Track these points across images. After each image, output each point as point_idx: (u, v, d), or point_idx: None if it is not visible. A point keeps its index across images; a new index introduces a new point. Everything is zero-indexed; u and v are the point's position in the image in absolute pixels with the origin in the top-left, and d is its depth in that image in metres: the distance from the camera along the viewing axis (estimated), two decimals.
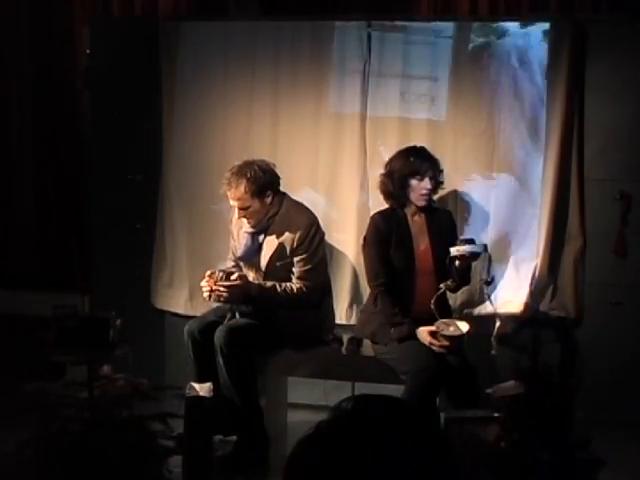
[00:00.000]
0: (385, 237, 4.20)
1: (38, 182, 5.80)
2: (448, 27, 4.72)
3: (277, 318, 4.26)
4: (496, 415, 3.39)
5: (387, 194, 4.29)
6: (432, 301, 4.06)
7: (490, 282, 4.21)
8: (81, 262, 5.27)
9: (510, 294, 4.67)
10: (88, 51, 5.28)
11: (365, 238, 4.32)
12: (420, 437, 1.18)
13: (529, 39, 4.67)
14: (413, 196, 4.20)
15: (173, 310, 5.14)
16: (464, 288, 4.37)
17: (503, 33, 4.69)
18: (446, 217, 4.37)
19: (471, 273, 4.26)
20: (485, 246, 4.13)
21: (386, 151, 4.65)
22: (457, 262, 4.10)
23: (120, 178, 5.16)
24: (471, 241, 4.13)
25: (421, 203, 4.20)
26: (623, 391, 4.58)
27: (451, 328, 4.02)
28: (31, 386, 3.89)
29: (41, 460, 3.63)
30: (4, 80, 5.82)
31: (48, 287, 5.33)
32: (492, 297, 4.52)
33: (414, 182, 4.17)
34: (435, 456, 1.17)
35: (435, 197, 4.33)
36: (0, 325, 5.27)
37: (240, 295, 4.23)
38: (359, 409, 1.21)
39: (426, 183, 4.17)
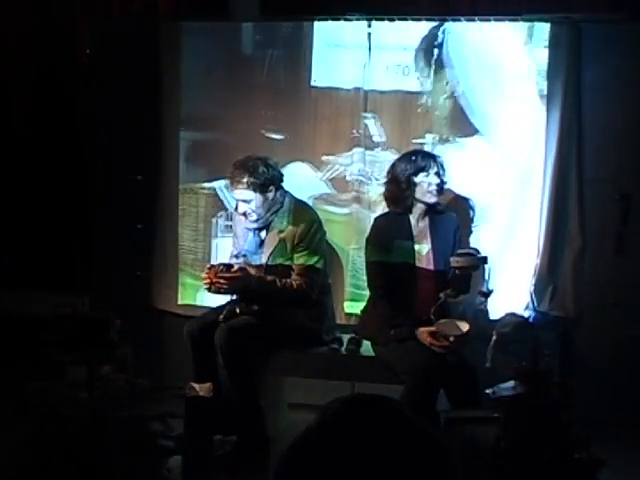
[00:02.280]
0: (387, 240, 4.19)
1: (38, 182, 5.80)
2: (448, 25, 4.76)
3: (277, 318, 4.26)
4: (496, 415, 3.38)
5: (392, 199, 4.27)
6: (432, 310, 4.04)
7: (489, 294, 4.18)
8: (81, 262, 5.29)
9: (510, 295, 4.67)
10: (88, 51, 5.28)
11: (367, 240, 4.32)
12: (410, 436, 1.18)
13: (528, 39, 4.67)
14: (420, 194, 4.18)
15: (173, 310, 5.14)
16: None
17: (502, 32, 4.72)
18: (450, 222, 4.33)
19: (471, 281, 4.23)
20: (485, 258, 4.09)
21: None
22: (457, 271, 4.09)
23: (120, 178, 5.16)
24: (472, 252, 4.11)
25: (430, 199, 4.18)
26: (623, 391, 4.58)
27: (451, 328, 4.01)
28: (31, 386, 3.88)
29: (41, 460, 3.63)
30: (4, 80, 5.82)
31: (48, 287, 5.33)
32: (492, 298, 4.51)
33: (420, 179, 4.16)
34: (427, 456, 1.17)
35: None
36: (0, 325, 5.27)
37: (240, 287, 4.23)
38: (347, 410, 1.20)
39: (432, 179, 4.17)
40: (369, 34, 4.81)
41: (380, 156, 4.82)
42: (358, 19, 4.83)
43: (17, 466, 3.61)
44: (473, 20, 4.75)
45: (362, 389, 4.34)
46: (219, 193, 5.03)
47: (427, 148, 4.68)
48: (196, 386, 4.05)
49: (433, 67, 4.74)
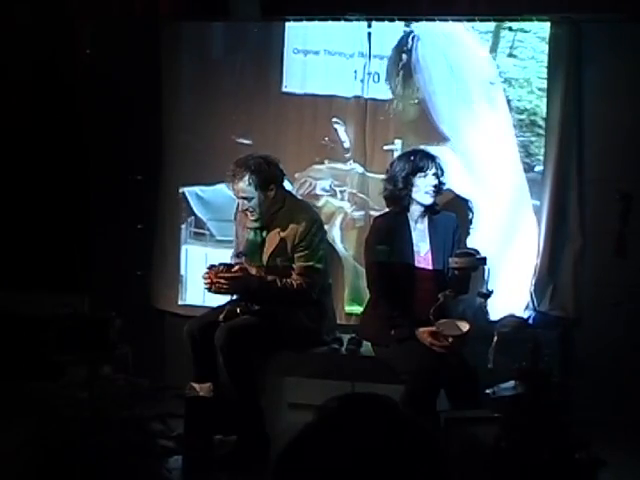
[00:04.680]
0: (386, 240, 4.19)
1: (38, 182, 5.79)
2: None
3: (277, 318, 4.26)
4: (496, 415, 3.38)
5: (390, 199, 4.26)
6: (431, 311, 4.03)
7: (488, 295, 4.16)
8: (81, 262, 5.29)
9: (510, 295, 4.67)
10: (88, 51, 5.28)
11: (367, 240, 4.32)
12: (406, 433, 1.18)
13: (529, 38, 4.68)
14: (418, 195, 4.17)
15: (173, 310, 5.14)
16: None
17: (503, 31, 4.73)
18: (449, 222, 4.30)
19: (470, 282, 4.22)
20: (484, 259, 4.06)
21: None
22: (456, 272, 4.08)
23: (120, 178, 5.16)
24: (471, 253, 4.09)
25: (427, 201, 4.17)
26: (623, 391, 4.58)
27: (451, 328, 4.00)
28: (31, 386, 3.89)
29: (41, 460, 3.63)
30: (4, 80, 5.81)
31: (48, 287, 5.33)
32: (492, 299, 4.51)
33: (418, 180, 4.15)
34: (423, 453, 1.17)
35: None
36: (0, 325, 5.27)
37: (241, 287, 4.23)
38: (342, 409, 1.20)
39: (430, 179, 4.15)
40: (369, 34, 4.82)
41: (347, 166, 4.89)
42: (358, 19, 4.84)
43: (17, 466, 3.62)
44: (473, 20, 4.75)
45: (362, 389, 4.33)
46: (188, 198, 5.07)
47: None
48: (196, 386, 4.05)
49: (402, 73, 4.80)
